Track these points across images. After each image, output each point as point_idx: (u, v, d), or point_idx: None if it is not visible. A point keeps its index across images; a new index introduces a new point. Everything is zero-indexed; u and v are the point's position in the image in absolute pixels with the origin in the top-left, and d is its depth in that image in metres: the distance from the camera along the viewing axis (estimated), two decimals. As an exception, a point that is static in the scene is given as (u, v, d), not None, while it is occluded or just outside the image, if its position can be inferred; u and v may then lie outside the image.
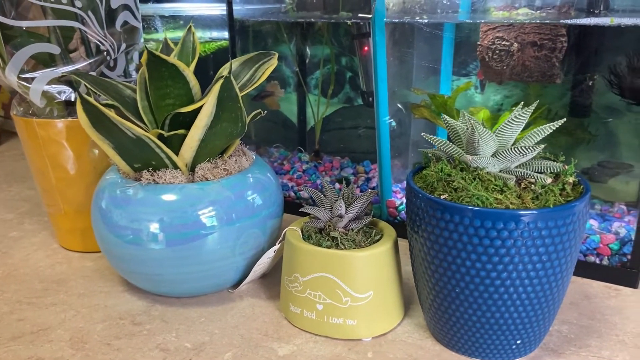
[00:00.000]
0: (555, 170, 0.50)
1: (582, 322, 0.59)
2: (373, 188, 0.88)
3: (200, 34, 1.10)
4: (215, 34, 1.10)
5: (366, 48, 0.95)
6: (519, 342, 0.52)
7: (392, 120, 1.00)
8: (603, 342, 0.56)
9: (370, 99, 0.96)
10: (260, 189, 0.64)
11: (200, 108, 0.57)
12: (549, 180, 0.48)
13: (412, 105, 0.84)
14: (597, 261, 0.68)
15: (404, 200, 0.83)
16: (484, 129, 0.49)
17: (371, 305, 0.56)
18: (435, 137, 0.52)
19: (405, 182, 0.90)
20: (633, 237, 0.64)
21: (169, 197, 0.59)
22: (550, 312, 0.51)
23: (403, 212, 0.80)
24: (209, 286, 0.64)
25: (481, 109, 0.81)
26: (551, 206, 0.47)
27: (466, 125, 0.53)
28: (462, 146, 0.53)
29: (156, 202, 0.59)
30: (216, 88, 0.57)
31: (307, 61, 1.03)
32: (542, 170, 0.50)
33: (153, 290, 0.65)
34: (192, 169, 0.62)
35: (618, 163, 0.81)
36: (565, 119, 0.51)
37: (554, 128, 0.50)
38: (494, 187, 0.48)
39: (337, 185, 0.90)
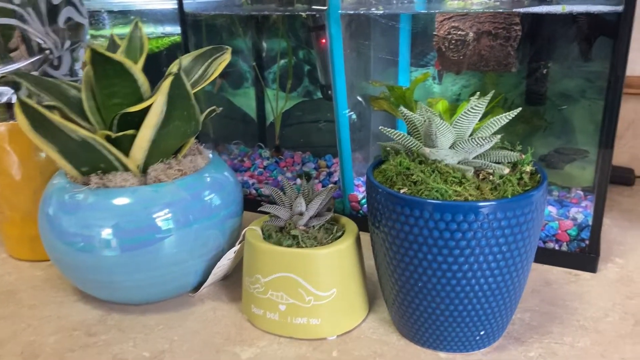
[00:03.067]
0: (513, 160, 0.50)
1: (543, 309, 0.59)
2: (335, 182, 0.87)
3: (152, 29, 1.06)
4: (168, 28, 1.06)
5: (323, 41, 0.93)
6: (482, 332, 0.52)
7: (352, 113, 0.99)
8: (565, 328, 0.56)
9: (330, 92, 0.95)
10: (218, 188, 0.63)
11: (149, 107, 0.55)
12: (507, 171, 0.48)
13: (371, 98, 0.83)
14: (557, 247, 0.68)
15: (366, 193, 0.82)
16: (441, 121, 0.48)
17: (335, 303, 0.55)
18: (393, 130, 0.52)
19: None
20: (590, 223, 0.65)
21: (121, 200, 0.57)
22: (512, 301, 0.52)
23: (365, 206, 0.80)
24: (167, 291, 0.62)
25: (439, 100, 0.81)
26: (509, 196, 0.46)
27: (423, 117, 0.52)
28: (421, 139, 0.52)
29: (108, 206, 0.57)
30: (165, 86, 0.54)
31: (264, 55, 1.00)
32: (500, 161, 0.50)
33: (108, 298, 0.63)
34: (144, 170, 0.60)
35: (574, 149, 0.82)
36: (521, 108, 0.51)
37: (510, 117, 0.50)
38: (453, 179, 0.48)
39: (299, 181, 0.89)
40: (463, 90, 0.90)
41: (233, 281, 0.67)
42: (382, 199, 0.49)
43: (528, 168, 0.50)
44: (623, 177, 0.93)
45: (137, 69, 0.57)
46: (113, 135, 0.55)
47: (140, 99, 0.59)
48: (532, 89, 0.82)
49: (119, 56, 0.55)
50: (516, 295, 0.52)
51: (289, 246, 0.56)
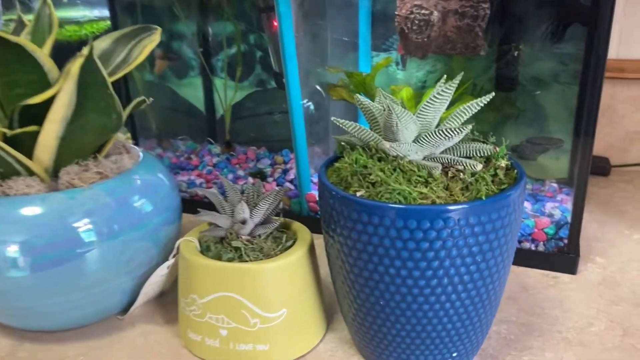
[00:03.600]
0: (486, 154, 0.43)
1: (521, 320, 0.53)
2: (291, 180, 0.79)
3: (85, 12, 0.95)
4: (105, 12, 0.96)
5: (275, 23, 0.85)
6: (455, 354, 0.45)
7: (309, 103, 0.91)
8: (545, 341, 0.50)
9: (284, 80, 0.86)
10: (150, 192, 0.54)
11: (54, 97, 0.45)
12: (480, 167, 0.41)
13: (328, 86, 0.75)
14: (533, 247, 0.62)
15: (324, 192, 0.74)
16: (403, 110, 0.40)
17: (285, 324, 0.47)
18: (345, 121, 0.44)
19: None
20: (569, 220, 0.59)
21: (29, 210, 0.47)
22: (488, 316, 0.45)
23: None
24: (90, 315, 0.53)
25: (403, 87, 0.73)
26: (484, 197, 0.39)
27: (382, 106, 0.45)
28: (380, 131, 0.44)
29: (12, 218, 0.47)
30: (74, 70, 0.45)
31: (210, 40, 0.91)
32: (472, 155, 0.43)
33: (19, 325, 0.53)
34: (55, 174, 0.50)
35: (547, 138, 0.76)
36: (493, 94, 0.43)
37: (482, 104, 0.43)
38: (418, 178, 0.40)
39: (251, 180, 0.80)
40: (429, 76, 0.82)
41: (170, 299, 0.59)
42: (335, 203, 0.41)
43: (503, 163, 0.43)
44: (598, 167, 0.88)
45: (42, 53, 0.47)
46: (9, 133, 0.45)
47: (48, 86, 0.50)
48: (502, 74, 0.75)
49: (17, 38, 0.46)
50: (492, 309, 0.45)
51: (230, 260, 0.47)
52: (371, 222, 0.39)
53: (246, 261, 0.47)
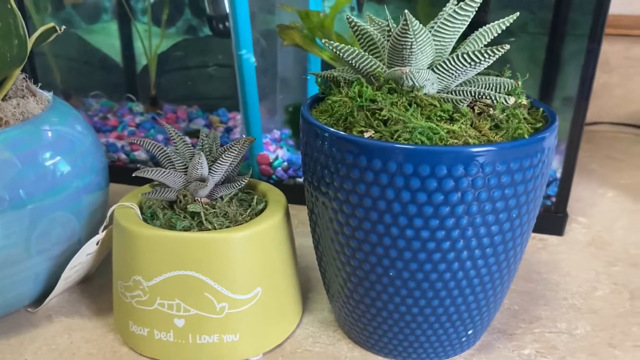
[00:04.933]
0: (508, 88, 0.35)
1: (521, 287, 0.47)
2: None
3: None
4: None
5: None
6: (470, 332, 0.37)
7: (249, 54, 0.80)
8: (553, 310, 0.44)
9: (221, 25, 0.74)
10: (66, 147, 0.41)
11: None
12: (512, 100, 0.33)
13: (280, 27, 0.65)
14: (516, 207, 0.56)
15: (279, 153, 0.64)
16: (421, 26, 0.31)
17: (259, 308, 0.37)
18: (342, 45, 0.34)
19: (275, 132, 0.71)
20: (558, 176, 0.54)
21: None
22: (505, 286, 0.37)
23: (280, 168, 0.62)
24: (-10, 310, 0.40)
25: (364, 32, 0.65)
26: (526, 136, 0.31)
27: (385, 29, 0.36)
28: (381, 59, 0.35)
29: None
30: (-46, -32, 0.31)
31: (128, -24, 0.76)
32: (491, 89, 0.35)
33: None
34: None
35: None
36: (518, 13, 0.36)
37: (508, 24, 0.35)
38: (441, 114, 0.31)
39: (188, 141, 0.68)
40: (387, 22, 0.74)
41: (97, 283, 0.46)
42: (333, 149, 0.32)
43: (524, 100, 0.36)
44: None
45: None
46: None
47: None
48: (473, 20, 0.68)
49: None
50: (510, 278, 0.38)
51: (187, 229, 0.37)
52: (386, 170, 0.30)
53: (208, 229, 0.37)
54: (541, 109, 0.36)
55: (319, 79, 0.39)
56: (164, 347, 0.37)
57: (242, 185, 0.39)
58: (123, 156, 0.68)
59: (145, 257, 0.36)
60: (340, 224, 0.34)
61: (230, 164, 0.39)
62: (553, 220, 0.55)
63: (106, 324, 0.42)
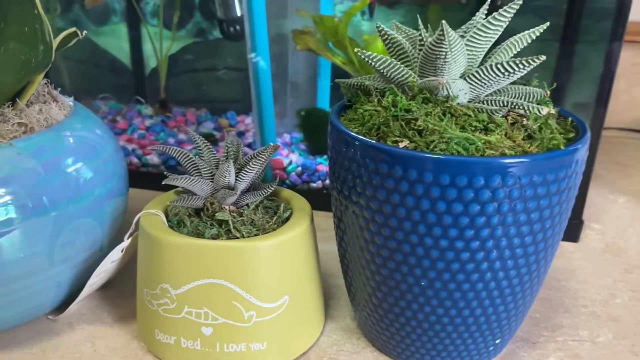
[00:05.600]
0: (538, 98, 0.35)
1: (540, 295, 0.47)
2: (249, 145, 0.68)
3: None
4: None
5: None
6: (497, 341, 0.37)
7: (258, 57, 0.80)
8: (574, 318, 0.44)
9: (232, 29, 0.74)
10: (89, 154, 0.41)
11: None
12: (546, 110, 0.33)
13: (294, 32, 0.65)
14: (531, 214, 0.56)
15: (292, 158, 0.64)
16: (456, 36, 0.31)
17: (286, 316, 0.37)
18: (374, 54, 0.34)
19: (285, 135, 0.71)
20: (574, 182, 0.54)
21: None
22: (534, 295, 0.38)
23: (294, 173, 0.62)
24: (13, 318, 0.39)
25: (377, 37, 0.65)
26: (562, 147, 0.31)
27: (415, 38, 0.35)
28: (411, 68, 0.35)
29: None
30: (-14, -26, 0.31)
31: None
32: (521, 98, 0.35)
33: None
34: (-44, 125, 0.36)
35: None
36: (548, 23, 0.36)
37: (539, 33, 0.35)
38: (476, 124, 0.31)
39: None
40: (397, 29, 0.74)
41: (117, 289, 0.46)
42: (366, 159, 0.32)
43: (553, 110, 0.36)
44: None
45: None
46: None
47: (-58, 5, 0.35)
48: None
49: None
50: (538, 287, 0.38)
51: (215, 237, 0.36)
52: (422, 181, 0.30)
53: (236, 238, 0.36)
54: (570, 119, 0.36)
55: (346, 87, 0.39)
56: (191, 356, 0.37)
57: (269, 192, 0.39)
58: (135, 160, 0.68)
59: (174, 265, 0.36)
60: (372, 233, 0.34)
61: (257, 170, 0.39)
62: (569, 226, 0.55)
63: (129, 331, 0.41)
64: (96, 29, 0.80)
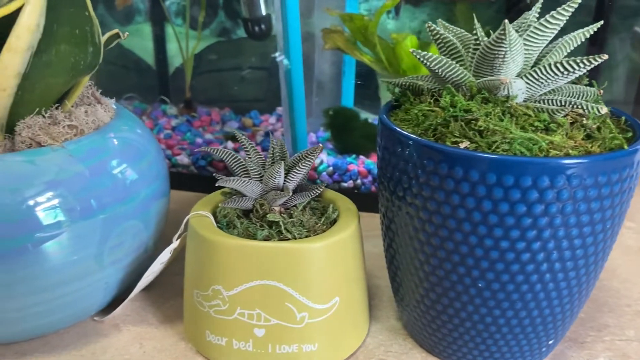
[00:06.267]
0: (592, 96, 0.35)
1: (582, 293, 0.47)
2: (277, 144, 0.67)
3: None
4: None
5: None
6: (551, 342, 0.37)
7: (282, 56, 0.79)
8: (619, 317, 0.44)
9: (257, 28, 0.74)
10: (134, 155, 0.41)
11: (15, 15, 0.31)
12: (605, 110, 0.33)
13: (324, 31, 0.65)
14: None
15: (323, 157, 0.64)
16: (517, 36, 0.31)
17: (336, 317, 0.37)
18: (427, 54, 0.34)
19: (311, 134, 0.71)
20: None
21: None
22: (588, 294, 0.37)
23: (324, 173, 0.61)
24: (61, 321, 0.39)
25: (407, 35, 0.64)
26: (626, 146, 0.31)
27: (464, 37, 0.35)
28: (466, 67, 0.35)
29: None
30: (43, -23, 0.31)
31: (163, -22, 0.76)
32: (577, 97, 0.35)
33: (-42, 341, 0.39)
34: (9, 129, 0.36)
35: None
36: (602, 22, 0.35)
37: (591, 34, 0.35)
38: (538, 124, 0.31)
39: (231, 145, 0.67)
40: (423, 26, 0.74)
41: (157, 290, 0.46)
42: (422, 160, 0.32)
43: (604, 108, 0.35)
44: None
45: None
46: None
47: (-7, 7, 0.35)
48: (512, 22, 0.68)
49: None
50: (593, 286, 0.37)
51: (267, 238, 0.36)
52: (484, 182, 0.30)
53: (288, 239, 0.36)
54: (623, 118, 0.36)
55: (393, 86, 0.39)
56: (243, 357, 0.37)
57: (318, 193, 0.39)
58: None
59: (227, 266, 0.36)
60: (428, 235, 0.34)
61: (306, 172, 0.39)
62: (605, 225, 0.54)
63: (176, 332, 0.41)
64: (120, 29, 0.80)
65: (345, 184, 0.62)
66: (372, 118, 0.72)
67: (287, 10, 0.56)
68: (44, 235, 0.35)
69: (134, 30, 0.80)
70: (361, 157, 0.65)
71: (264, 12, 0.72)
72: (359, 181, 0.61)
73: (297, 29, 0.58)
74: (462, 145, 0.31)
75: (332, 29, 0.64)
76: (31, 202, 0.34)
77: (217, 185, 0.37)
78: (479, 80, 0.33)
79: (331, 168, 0.62)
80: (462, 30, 0.37)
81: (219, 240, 0.36)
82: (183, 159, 0.66)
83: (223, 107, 0.80)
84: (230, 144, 0.67)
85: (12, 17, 0.31)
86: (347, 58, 0.74)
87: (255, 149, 0.40)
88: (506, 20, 0.30)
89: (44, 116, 0.37)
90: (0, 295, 0.35)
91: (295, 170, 0.38)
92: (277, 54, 0.79)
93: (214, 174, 0.39)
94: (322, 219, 0.38)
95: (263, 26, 0.73)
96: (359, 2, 0.73)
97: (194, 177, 0.65)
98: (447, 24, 0.38)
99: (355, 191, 0.62)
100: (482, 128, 0.31)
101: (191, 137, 0.72)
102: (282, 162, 0.37)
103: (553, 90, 0.35)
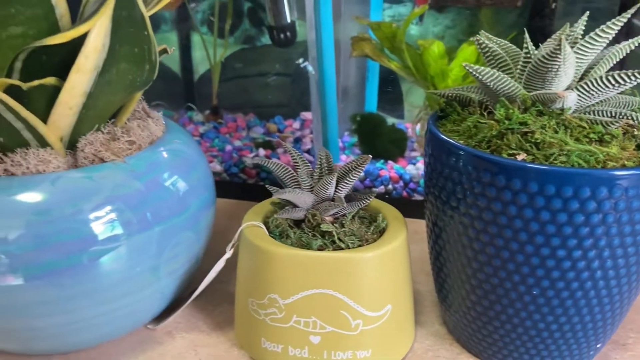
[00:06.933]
0: (637, 106, 0.36)
1: (620, 295, 0.48)
2: (308, 151, 0.69)
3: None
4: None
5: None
6: (599, 345, 0.38)
7: (306, 63, 0.80)
8: (658, 318, 0.45)
9: (282, 35, 0.75)
10: (185, 167, 0.41)
11: (84, 37, 0.32)
12: (655, 121, 0.34)
13: (353, 39, 0.65)
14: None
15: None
16: (570, 49, 0.32)
17: (389, 324, 0.38)
18: (480, 67, 0.35)
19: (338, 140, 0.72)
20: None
21: (30, 197, 0.34)
22: (633, 298, 0.38)
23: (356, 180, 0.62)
24: (118, 330, 0.40)
25: (433, 42, 0.65)
26: (679, 158, 0.32)
27: (508, 49, 0.36)
28: (516, 79, 0.36)
29: (8, 208, 0.34)
30: (111, 1, 0.32)
31: (189, -13, 0.77)
32: (623, 107, 0.36)
33: (20, 350, 0.40)
34: (71, 144, 0.37)
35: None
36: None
37: (636, 45, 0.36)
38: (592, 136, 0.32)
39: (262, 152, 0.68)
40: (447, 31, 0.75)
41: (205, 298, 0.47)
42: (478, 172, 0.33)
43: (647, 118, 0.36)
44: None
45: (48, -25, 0.34)
46: (25, 86, 0.31)
47: (56, 27, 0.36)
48: (535, 29, 0.69)
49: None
50: (635, 296, 0.38)
51: (321, 248, 0.37)
52: (543, 193, 0.31)
53: (341, 248, 0.37)
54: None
55: (439, 97, 0.40)
56: (299, 364, 0.38)
57: (368, 203, 0.40)
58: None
59: (283, 276, 0.37)
60: (482, 244, 0.35)
61: (354, 182, 0.40)
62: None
63: (227, 339, 0.42)
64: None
65: (377, 190, 0.63)
66: (397, 123, 0.73)
67: (321, 18, 0.57)
68: (103, 249, 0.36)
69: (160, 39, 0.81)
70: (389, 162, 0.66)
71: (289, 20, 0.73)
72: (390, 186, 0.62)
73: (330, 36, 0.59)
74: (519, 158, 0.32)
75: (362, 36, 0.65)
76: (91, 217, 0.35)
77: (274, 196, 0.38)
78: (533, 93, 0.34)
79: (363, 174, 0.63)
80: (506, 42, 0.38)
81: (275, 250, 0.37)
82: (215, 166, 0.67)
83: (247, 112, 0.81)
84: (262, 151, 0.68)
85: (74, 42, 0.32)
86: (370, 65, 0.75)
87: (304, 160, 0.41)
88: (563, 36, 0.31)
89: (102, 132, 0.38)
90: (62, 308, 0.36)
91: (345, 180, 0.39)
92: (301, 60, 0.80)
93: (266, 186, 0.40)
94: (372, 228, 0.39)
95: (288, 33, 0.74)
96: (383, 9, 0.74)
97: (226, 185, 0.66)
98: (490, 35, 0.39)
99: (387, 196, 0.63)
100: (538, 140, 0.32)
101: (220, 143, 0.73)
102: (335, 173, 0.38)
103: (601, 101, 0.36)
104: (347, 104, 0.77)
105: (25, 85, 0.31)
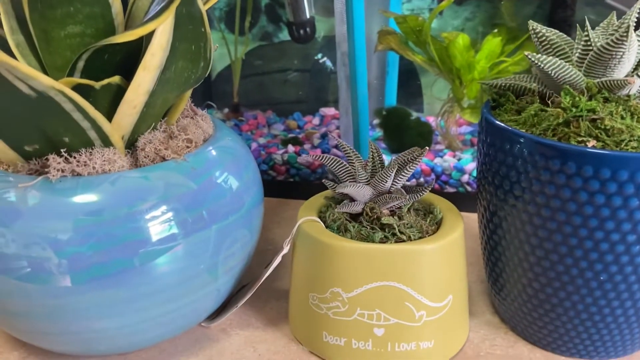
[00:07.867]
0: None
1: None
2: (335, 146, 0.69)
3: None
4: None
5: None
6: (657, 329, 0.39)
7: (325, 58, 0.80)
8: None
9: (302, 31, 0.74)
10: (236, 164, 0.41)
11: (150, 36, 0.32)
12: None
13: (379, 33, 0.65)
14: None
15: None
16: (635, 37, 0.33)
17: (450, 314, 0.39)
18: (542, 56, 0.35)
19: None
20: None
21: (87, 198, 0.33)
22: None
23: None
24: (176, 329, 0.40)
25: (458, 34, 0.65)
26: None
27: (563, 37, 0.36)
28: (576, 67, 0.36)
29: (67, 209, 0.33)
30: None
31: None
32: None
33: (81, 351, 0.39)
34: (130, 143, 0.36)
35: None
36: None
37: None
38: (659, 122, 0.33)
39: (292, 148, 0.68)
40: (467, 24, 0.75)
41: (253, 294, 0.47)
42: (546, 160, 0.33)
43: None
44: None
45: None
46: (97, 85, 0.31)
47: (111, 26, 0.36)
48: (556, 19, 0.70)
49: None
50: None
51: (383, 241, 0.37)
52: (616, 179, 0.31)
53: (403, 241, 0.37)
54: None
55: (491, 88, 0.40)
56: (362, 356, 0.38)
57: (424, 195, 0.40)
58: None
59: (346, 269, 0.37)
60: (549, 232, 0.35)
61: (409, 174, 0.40)
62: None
63: (283, 334, 0.42)
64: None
65: (407, 183, 0.63)
66: (420, 116, 0.74)
67: (354, 13, 0.57)
68: (160, 248, 0.35)
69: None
70: (417, 155, 0.66)
71: (308, 16, 0.73)
72: (421, 179, 0.62)
73: (362, 31, 0.59)
74: (590, 144, 0.32)
75: (387, 30, 0.65)
76: (148, 218, 0.35)
77: (337, 190, 0.38)
78: (599, 80, 0.34)
79: (393, 167, 0.63)
80: (557, 31, 0.38)
81: (338, 244, 0.37)
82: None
83: (265, 110, 0.81)
84: (290, 148, 0.68)
85: (133, 41, 0.32)
86: (390, 58, 0.75)
87: (357, 155, 0.41)
88: (630, 23, 0.31)
89: (159, 130, 0.37)
90: (122, 310, 0.36)
91: (402, 173, 0.39)
92: (319, 56, 0.80)
93: (323, 181, 0.40)
94: (428, 220, 0.40)
95: (308, 29, 0.74)
96: (402, 2, 0.74)
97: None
98: (538, 25, 0.39)
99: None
100: (608, 127, 0.32)
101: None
102: (396, 165, 0.38)
103: (653, 87, 0.36)
104: (375, 100, 0.77)
105: (97, 85, 0.31)
